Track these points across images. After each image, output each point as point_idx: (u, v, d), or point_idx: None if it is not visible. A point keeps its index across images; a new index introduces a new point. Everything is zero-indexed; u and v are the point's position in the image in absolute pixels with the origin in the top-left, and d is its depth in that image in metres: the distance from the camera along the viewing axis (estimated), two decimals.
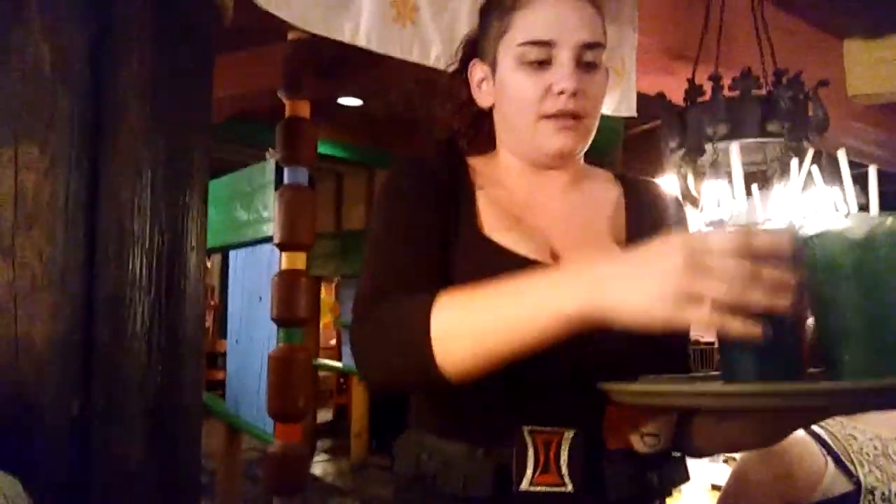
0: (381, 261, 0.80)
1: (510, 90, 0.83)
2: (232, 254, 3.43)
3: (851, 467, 1.19)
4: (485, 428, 0.75)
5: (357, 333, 0.74)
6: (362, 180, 6.01)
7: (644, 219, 0.87)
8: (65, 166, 1.05)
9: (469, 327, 0.66)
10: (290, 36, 2.54)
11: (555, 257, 0.80)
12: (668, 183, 2.18)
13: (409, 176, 0.85)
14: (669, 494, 0.84)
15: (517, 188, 0.87)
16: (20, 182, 1.04)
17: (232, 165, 3.30)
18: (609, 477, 0.74)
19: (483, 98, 0.88)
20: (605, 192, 0.90)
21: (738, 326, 0.53)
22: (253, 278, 3.08)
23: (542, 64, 0.79)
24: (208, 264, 4.31)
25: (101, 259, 1.08)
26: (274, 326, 2.87)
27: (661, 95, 2.24)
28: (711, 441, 0.80)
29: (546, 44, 0.79)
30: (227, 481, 3.70)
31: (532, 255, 0.78)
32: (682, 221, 0.91)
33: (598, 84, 0.82)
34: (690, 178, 2.11)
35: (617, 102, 2.10)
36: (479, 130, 0.91)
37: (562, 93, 0.78)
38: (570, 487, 0.72)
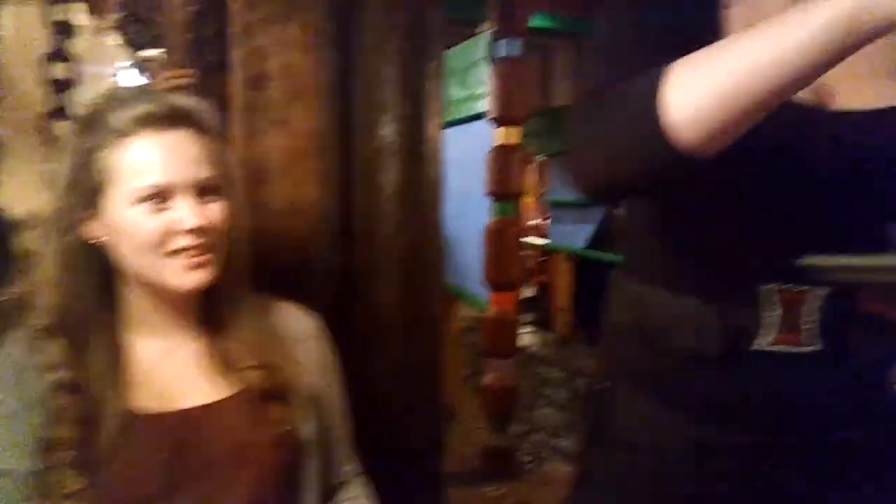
0: (608, 60, 0.70)
1: None
2: (446, 132, 3.55)
3: None
4: (719, 282, 0.69)
5: (572, 133, 0.66)
6: (570, 55, 5.83)
7: None
8: (323, 43, 1.15)
9: (711, 72, 0.55)
10: None
11: (826, 96, 0.67)
12: None
13: None
14: None
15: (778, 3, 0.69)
16: (286, 59, 1.15)
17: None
18: (855, 341, 0.68)
19: None
20: None
21: None
22: (467, 156, 3.18)
23: None
24: None
25: (357, 127, 1.19)
26: (488, 201, 2.97)
27: None
28: None
29: None
30: (445, 346, 4.01)
31: (798, 98, 0.64)
32: None
33: None
34: None
35: None
36: None
37: None
38: (811, 349, 0.68)
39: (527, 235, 6.34)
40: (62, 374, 0.80)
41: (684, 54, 0.59)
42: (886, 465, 0.75)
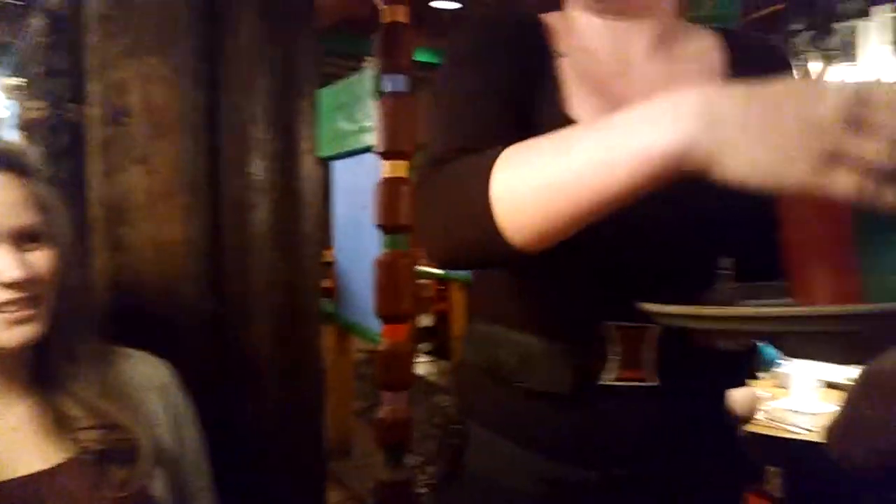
0: (449, 125, 0.69)
1: None
2: (336, 164, 3.52)
3: None
4: (565, 322, 0.71)
5: (418, 203, 0.65)
6: None
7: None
8: (187, 77, 1.11)
9: (535, 177, 0.54)
10: None
11: None
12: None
13: (480, 34, 0.73)
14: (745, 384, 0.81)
15: (601, 51, 0.74)
16: (148, 93, 1.10)
17: (331, 78, 3.35)
18: (693, 373, 0.70)
19: None
20: (703, 52, 0.77)
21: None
22: (357, 188, 3.16)
23: None
24: None
25: (225, 165, 1.15)
26: (379, 233, 2.96)
27: None
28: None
29: None
30: (338, 378, 3.95)
31: None
32: None
33: None
34: (816, 63, 1.96)
35: None
36: None
37: None
38: (653, 382, 0.70)
39: (423, 265, 6.36)
40: None
41: (525, 105, 0.61)
42: (729, 492, 0.79)
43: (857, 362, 0.71)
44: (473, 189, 0.57)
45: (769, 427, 1.75)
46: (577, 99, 0.69)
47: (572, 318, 0.71)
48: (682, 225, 0.60)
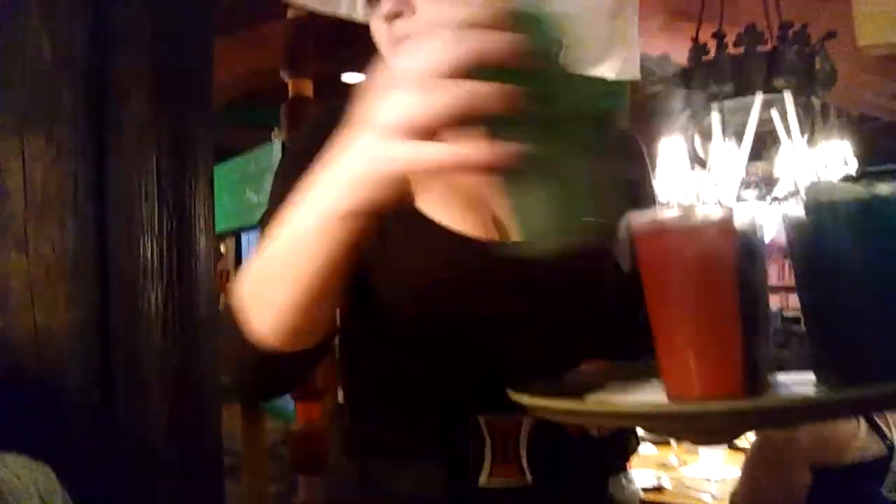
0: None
1: None
2: (244, 236, 3.45)
3: (886, 431, 1.19)
4: (435, 418, 0.66)
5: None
6: None
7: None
8: (71, 155, 1.06)
9: (256, 276, 0.53)
10: (290, 14, 2.52)
11: (499, 229, 0.66)
12: (674, 145, 2.18)
13: (309, 133, 0.68)
14: (624, 469, 0.78)
15: None
16: (28, 173, 1.05)
17: (238, 149, 3.31)
18: (569, 466, 0.67)
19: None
20: None
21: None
22: None
23: None
24: (222, 248, 4.33)
25: (113, 246, 1.09)
26: None
27: (664, 57, 2.22)
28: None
29: None
30: (252, 461, 3.76)
31: (474, 231, 0.64)
32: (645, 173, 0.76)
33: None
34: (697, 139, 2.09)
35: (621, 66, 2.09)
36: None
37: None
38: (529, 479, 0.66)
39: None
40: None
41: None
42: None
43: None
44: (225, 308, 0.54)
45: (680, 495, 1.76)
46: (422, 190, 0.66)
47: (442, 415, 0.66)
48: (539, 315, 0.56)
